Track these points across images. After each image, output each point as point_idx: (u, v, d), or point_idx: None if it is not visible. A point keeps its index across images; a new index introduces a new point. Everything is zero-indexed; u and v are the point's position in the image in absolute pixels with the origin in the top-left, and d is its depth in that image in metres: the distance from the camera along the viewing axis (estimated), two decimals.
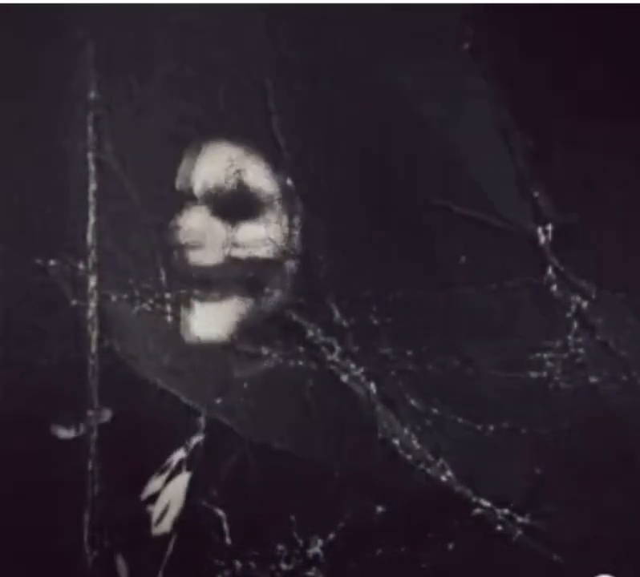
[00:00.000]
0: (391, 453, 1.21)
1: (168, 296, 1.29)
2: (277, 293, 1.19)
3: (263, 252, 1.19)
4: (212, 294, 1.22)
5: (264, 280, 1.19)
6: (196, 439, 1.27)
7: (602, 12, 1.21)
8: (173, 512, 1.25)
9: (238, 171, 1.17)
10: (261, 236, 1.17)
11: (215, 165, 1.19)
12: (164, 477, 1.27)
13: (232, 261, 1.19)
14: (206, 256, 1.19)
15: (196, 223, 1.18)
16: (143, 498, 1.26)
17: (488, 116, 1.22)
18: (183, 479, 1.26)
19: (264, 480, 1.24)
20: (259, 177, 1.18)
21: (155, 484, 1.27)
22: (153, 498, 1.27)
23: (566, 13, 1.21)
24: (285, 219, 1.17)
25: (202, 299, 1.22)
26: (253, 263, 1.20)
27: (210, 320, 1.22)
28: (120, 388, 1.30)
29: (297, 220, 1.17)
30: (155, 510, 1.26)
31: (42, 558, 1.29)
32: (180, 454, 1.27)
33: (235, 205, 1.18)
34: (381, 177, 1.24)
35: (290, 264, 1.19)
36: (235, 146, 1.19)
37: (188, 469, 1.26)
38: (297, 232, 1.17)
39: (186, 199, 1.22)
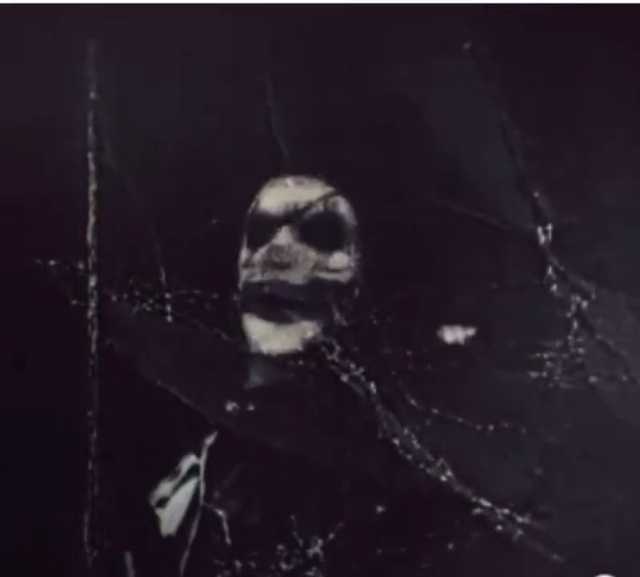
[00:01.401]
0: (391, 453, 1.21)
1: (168, 296, 1.29)
2: (338, 315, 1.23)
3: (344, 277, 1.24)
4: (292, 313, 1.24)
5: (336, 304, 1.23)
6: (207, 443, 1.26)
7: (602, 12, 1.20)
8: (181, 516, 1.25)
9: (331, 198, 1.24)
10: (346, 264, 1.24)
11: (307, 191, 1.25)
12: (174, 482, 1.26)
13: (316, 284, 1.23)
14: (295, 277, 1.23)
15: (290, 243, 1.23)
16: (153, 502, 1.26)
17: (488, 116, 1.22)
18: (192, 485, 1.25)
19: (264, 480, 1.24)
20: (347, 209, 1.25)
21: (165, 488, 1.27)
22: (162, 502, 1.26)
23: (566, 12, 1.21)
24: (359, 250, 1.25)
25: (279, 315, 1.24)
26: (333, 288, 1.24)
27: (282, 338, 1.24)
28: (120, 388, 1.30)
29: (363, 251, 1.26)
30: (165, 514, 1.26)
31: (43, 558, 1.29)
32: (191, 460, 1.26)
33: (328, 232, 1.25)
34: (380, 177, 1.24)
35: (357, 290, 1.24)
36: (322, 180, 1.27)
37: (198, 474, 1.25)
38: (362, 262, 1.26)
39: (271, 220, 1.26)
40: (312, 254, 1.24)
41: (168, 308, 1.29)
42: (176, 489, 1.26)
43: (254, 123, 1.28)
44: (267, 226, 1.25)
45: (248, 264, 1.26)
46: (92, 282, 1.31)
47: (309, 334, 1.24)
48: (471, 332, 1.19)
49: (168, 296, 1.29)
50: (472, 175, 1.22)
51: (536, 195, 1.21)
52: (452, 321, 1.22)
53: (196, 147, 1.30)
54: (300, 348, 1.24)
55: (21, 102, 1.35)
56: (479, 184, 1.22)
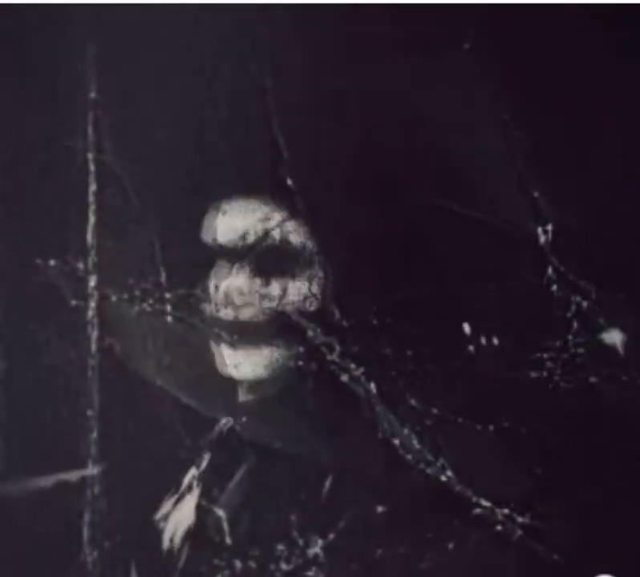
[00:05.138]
0: (391, 453, 1.21)
1: (168, 296, 1.29)
2: (313, 333, 1.23)
3: (309, 305, 1.23)
4: (258, 342, 1.23)
5: (308, 327, 1.23)
6: (207, 444, 1.26)
7: (602, 12, 1.21)
8: (184, 528, 1.24)
9: (279, 228, 1.21)
10: (306, 293, 1.22)
11: (249, 220, 1.23)
12: (174, 497, 1.26)
13: (280, 315, 1.23)
14: (256, 315, 1.22)
15: (243, 285, 1.21)
16: (157, 517, 1.25)
17: (488, 116, 1.22)
18: (193, 497, 1.25)
19: (264, 480, 1.24)
20: (301, 234, 1.23)
21: (167, 504, 1.26)
22: (165, 516, 1.26)
23: (566, 13, 1.21)
24: (323, 273, 1.23)
25: (245, 345, 1.24)
26: (301, 315, 1.23)
27: (250, 363, 1.24)
28: (120, 388, 1.30)
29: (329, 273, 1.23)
30: (168, 527, 1.25)
31: (43, 558, 1.29)
32: (191, 473, 1.26)
33: (279, 263, 1.23)
34: (381, 177, 1.24)
35: (332, 310, 1.23)
36: (269, 204, 1.23)
37: (199, 485, 1.25)
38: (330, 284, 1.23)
39: (216, 253, 1.25)
40: (268, 289, 1.22)
41: (168, 308, 1.29)
42: (175, 504, 1.25)
43: (255, 123, 1.28)
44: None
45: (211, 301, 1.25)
46: (92, 282, 1.31)
47: (287, 355, 1.23)
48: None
49: (168, 296, 1.29)
50: (472, 174, 1.22)
51: (536, 195, 1.21)
52: (452, 321, 1.22)
53: (197, 146, 1.30)
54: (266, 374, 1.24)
55: (21, 103, 1.35)
56: (479, 184, 1.22)
